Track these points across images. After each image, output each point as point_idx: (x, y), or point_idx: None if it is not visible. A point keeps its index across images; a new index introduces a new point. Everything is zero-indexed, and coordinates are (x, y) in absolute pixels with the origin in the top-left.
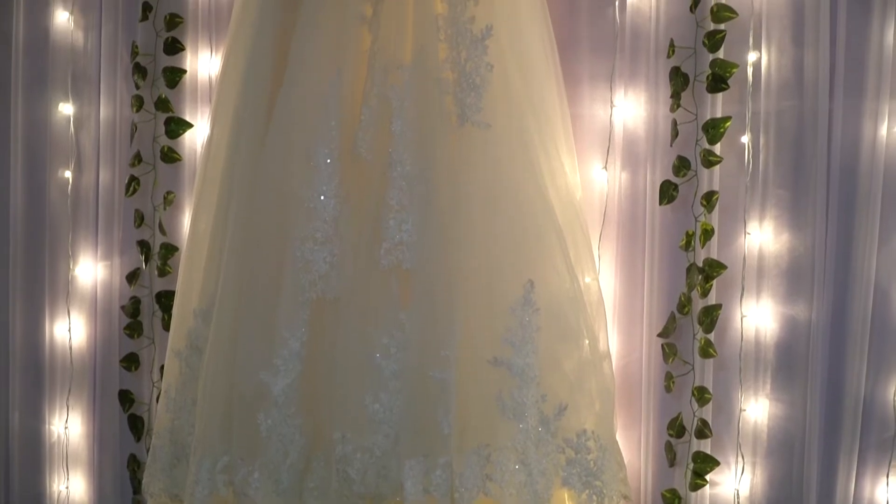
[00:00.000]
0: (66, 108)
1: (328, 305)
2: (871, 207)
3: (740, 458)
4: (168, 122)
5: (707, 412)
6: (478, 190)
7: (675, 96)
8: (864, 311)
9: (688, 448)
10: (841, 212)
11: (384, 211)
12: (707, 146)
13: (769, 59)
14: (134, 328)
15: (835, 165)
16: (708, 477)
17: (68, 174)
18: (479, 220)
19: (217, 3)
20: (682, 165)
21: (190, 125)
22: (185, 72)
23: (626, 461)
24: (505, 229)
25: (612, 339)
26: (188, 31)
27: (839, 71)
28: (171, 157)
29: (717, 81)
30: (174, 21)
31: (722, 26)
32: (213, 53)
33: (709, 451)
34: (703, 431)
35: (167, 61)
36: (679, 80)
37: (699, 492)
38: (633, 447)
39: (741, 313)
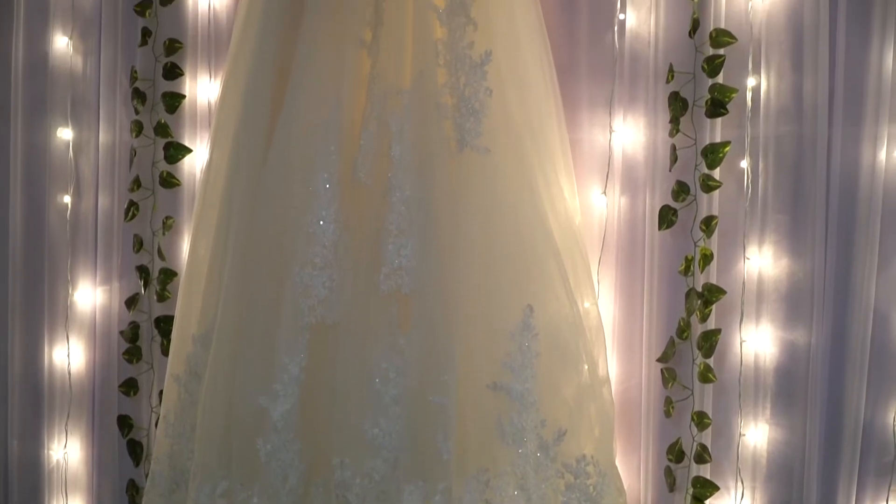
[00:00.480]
0: (65, 133)
1: (328, 330)
2: (871, 232)
3: (740, 483)
4: (167, 147)
5: (706, 437)
6: (477, 215)
7: (675, 121)
8: (863, 335)
9: (687, 473)
10: (840, 236)
11: (384, 236)
12: (706, 171)
13: (768, 84)
14: (133, 353)
15: (834, 190)
16: (707, 502)
17: (67, 199)
18: (478, 246)
19: (216, 28)
20: (681, 190)
21: (189, 150)
22: (184, 97)
23: (625, 486)
24: (504, 254)
25: (612, 364)
26: (187, 56)
27: (838, 96)
28: (170, 182)
29: (717, 106)
30: (173, 46)
31: (721, 51)
32: (213, 78)
33: (708, 476)
34: (702, 456)
35: (166, 86)
36: (678, 105)
37: None
38: (632, 472)
39: (740, 338)
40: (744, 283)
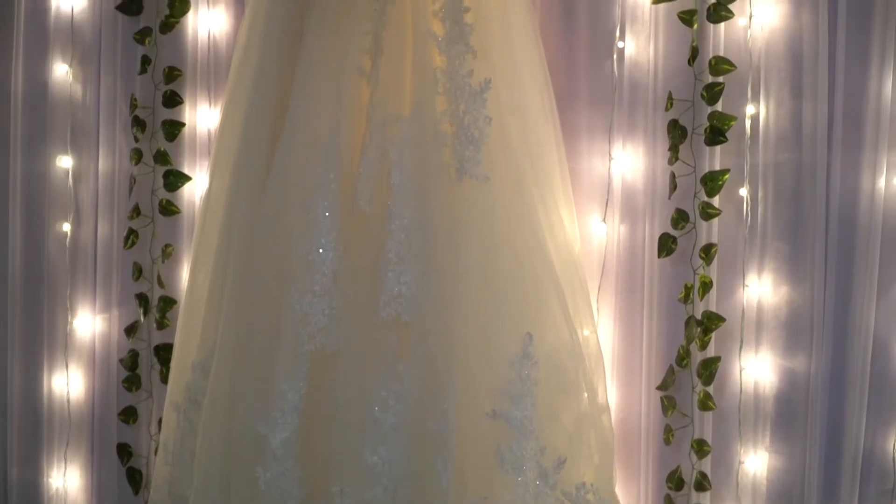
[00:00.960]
0: (64, 161)
1: (327, 358)
2: (870, 259)
3: None
4: (167, 174)
5: (706, 465)
6: (476, 243)
7: (674, 149)
8: (863, 363)
9: (687, 501)
10: (840, 264)
11: (383, 264)
12: (705, 199)
13: (767, 112)
14: (132, 381)
15: (833, 218)
16: None
17: (67, 227)
18: (477, 273)
19: (216, 56)
20: (680, 218)
21: (188, 178)
22: (183, 125)
23: None
24: (503, 282)
25: (611, 392)
26: (187, 84)
27: (837, 123)
28: (169, 209)
29: (716, 134)
30: (173, 74)
31: (720, 79)
32: (212, 106)
33: None
34: (702, 484)
35: (166, 114)
36: (677, 133)
37: None
38: (632, 500)
39: (740, 366)
40: (743, 310)
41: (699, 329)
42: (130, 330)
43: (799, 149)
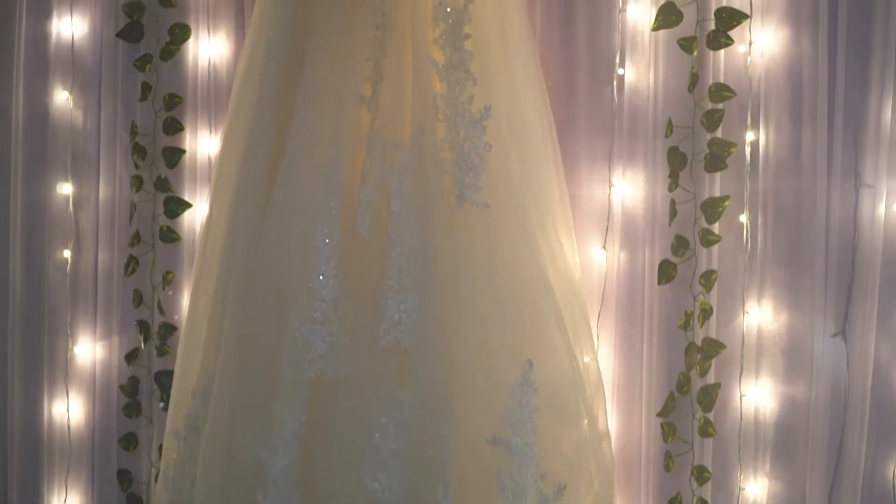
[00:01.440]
0: (65, 188)
1: (327, 385)
2: (870, 286)
3: None
4: (167, 201)
5: (706, 491)
6: (476, 270)
7: (674, 176)
8: (863, 389)
9: None
10: (840, 290)
11: (383, 291)
12: (705, 225)
13: (767, 139)
14: (132, 408)
15: (833, 244)
16: None
17: (67, 254)
18: (477, 300)
19: (216, 83)
20: (680, 245)
21: (189, 205)
22: (184, 152)
23: None
24: (504, 309)
25: (612, 419)
26: (187, 111)
27: (837, 150)
28: (170, 236)
29: (716, 160)
30: (174, 101)
31: (720, 106)
32: (213, 133)
33: None
34: None
35: (166, 141)
36: (677, 160)
37: None
38: None
39: (740, 392)
40: (743, 337)
41: (699, 355)
42: (131, 357)
43: (799, 175)
